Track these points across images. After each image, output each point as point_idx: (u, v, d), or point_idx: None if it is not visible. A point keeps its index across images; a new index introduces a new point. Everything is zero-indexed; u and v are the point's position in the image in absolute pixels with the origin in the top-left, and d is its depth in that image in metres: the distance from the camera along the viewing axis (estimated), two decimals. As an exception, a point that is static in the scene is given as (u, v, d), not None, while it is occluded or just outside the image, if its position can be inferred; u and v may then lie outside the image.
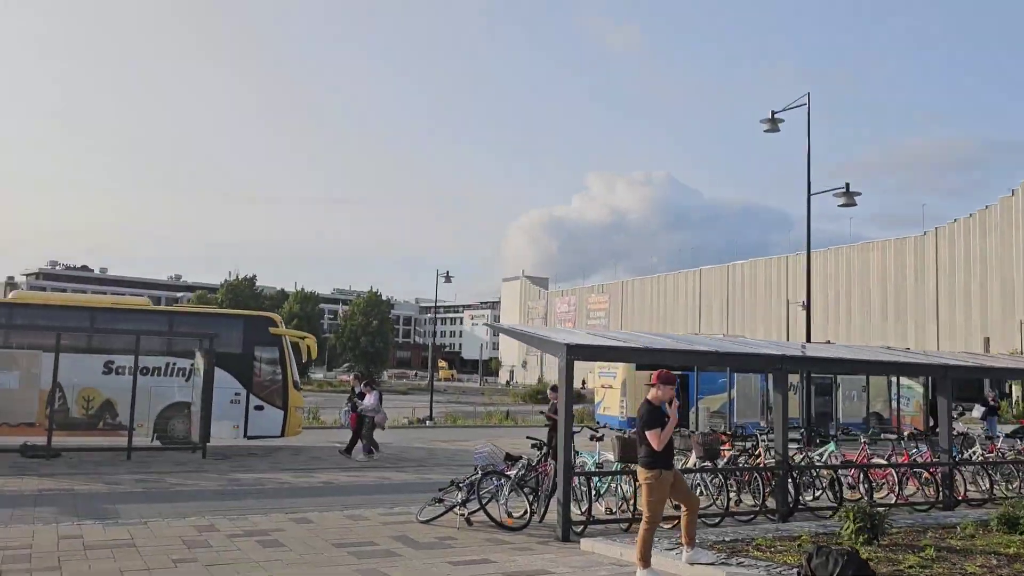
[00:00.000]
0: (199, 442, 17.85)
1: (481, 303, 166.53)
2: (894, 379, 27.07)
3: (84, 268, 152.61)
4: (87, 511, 10.91)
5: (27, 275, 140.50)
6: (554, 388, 18.64)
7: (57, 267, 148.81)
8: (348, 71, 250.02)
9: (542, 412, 17.25)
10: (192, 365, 19.19)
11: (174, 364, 19.37)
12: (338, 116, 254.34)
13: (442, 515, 10.39)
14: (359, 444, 18.73)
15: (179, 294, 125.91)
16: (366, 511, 11.24)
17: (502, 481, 10.39)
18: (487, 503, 10.18)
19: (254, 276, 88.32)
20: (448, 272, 41.10)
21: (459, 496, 10.28)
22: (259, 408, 19.81)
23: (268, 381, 20.24)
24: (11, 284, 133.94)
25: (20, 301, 20.89)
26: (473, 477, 10.43)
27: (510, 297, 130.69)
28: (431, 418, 33.91)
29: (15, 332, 18.41)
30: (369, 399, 18.87)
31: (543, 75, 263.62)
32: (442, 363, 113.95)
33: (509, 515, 10.23)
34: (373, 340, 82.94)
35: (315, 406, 30.72)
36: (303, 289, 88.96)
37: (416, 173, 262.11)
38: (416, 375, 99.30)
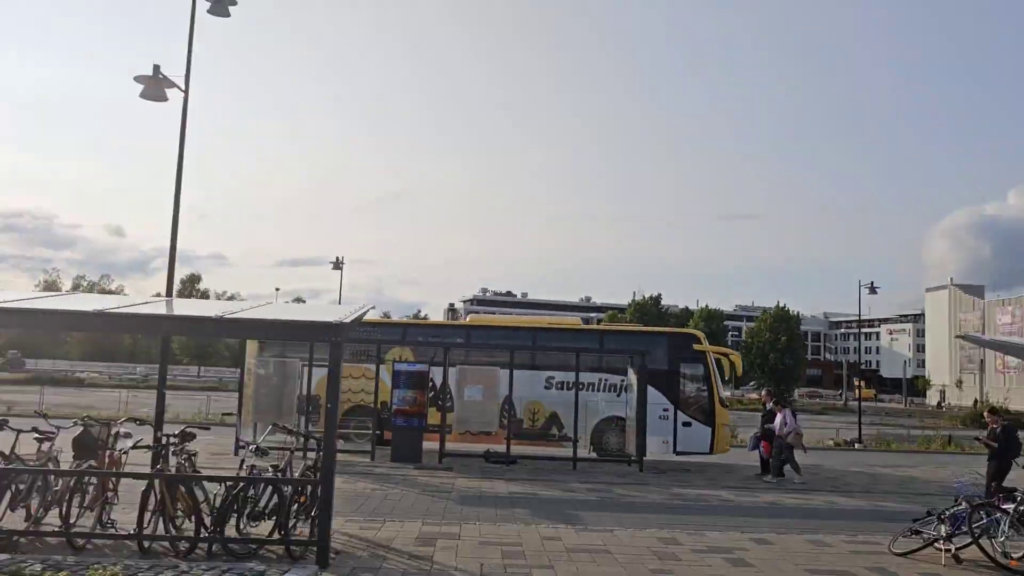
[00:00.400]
0: (635, 455, 18.46)
1: (900, 316, 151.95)
2: None
3: (508, 293, 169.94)
4: (555, 515, 11.75)
5: (464, 301, 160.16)
6: (992, 411, 16.16)
7: (487, 293, 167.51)
8: (740, 84, 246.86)
9: (977, 439, 14.98)
10: (622, 381, 20.03)
11: (605, 380, 20.38)
12: (726, 133, 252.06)
13: (920, 548, 9.35)
14: (787, 465, 17.85)
15: (591, 314, 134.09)
16: (825, 536, 10.57)
17: (998, 515, 9.05)
18: (979, 538, 8.94)
19: (659, 295, 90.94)
20: (872, 283, 38.16)
21: (942, 529, 9.16)
22: (687, 424, 19.99)
23: (694, 397, 20.37)
24: (451, 309, 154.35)
25: (475, 324, 23.64)
26: (956, 509, 9.25)
27: (936, 308, 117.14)
28: (859, 440, 31.52)
29: (473, 350, 20.78)
30: (787, 420, 17.93)
31: (968, 54, 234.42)
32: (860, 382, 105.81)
33: (1008, 555, 8.86)
34: (782, 357, 79.90)
35: (732, 424, 30.15)
36: (707, 306, 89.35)
37: (816, 183, 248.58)
38: (841, 394, 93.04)
